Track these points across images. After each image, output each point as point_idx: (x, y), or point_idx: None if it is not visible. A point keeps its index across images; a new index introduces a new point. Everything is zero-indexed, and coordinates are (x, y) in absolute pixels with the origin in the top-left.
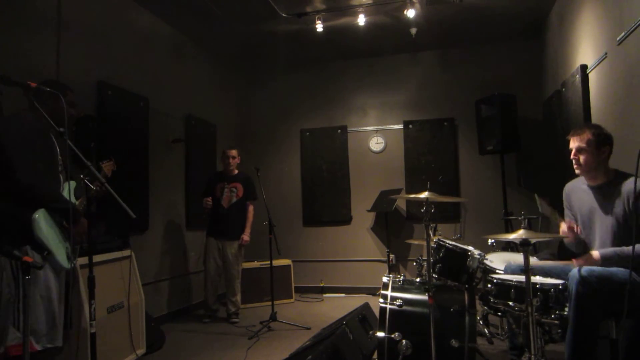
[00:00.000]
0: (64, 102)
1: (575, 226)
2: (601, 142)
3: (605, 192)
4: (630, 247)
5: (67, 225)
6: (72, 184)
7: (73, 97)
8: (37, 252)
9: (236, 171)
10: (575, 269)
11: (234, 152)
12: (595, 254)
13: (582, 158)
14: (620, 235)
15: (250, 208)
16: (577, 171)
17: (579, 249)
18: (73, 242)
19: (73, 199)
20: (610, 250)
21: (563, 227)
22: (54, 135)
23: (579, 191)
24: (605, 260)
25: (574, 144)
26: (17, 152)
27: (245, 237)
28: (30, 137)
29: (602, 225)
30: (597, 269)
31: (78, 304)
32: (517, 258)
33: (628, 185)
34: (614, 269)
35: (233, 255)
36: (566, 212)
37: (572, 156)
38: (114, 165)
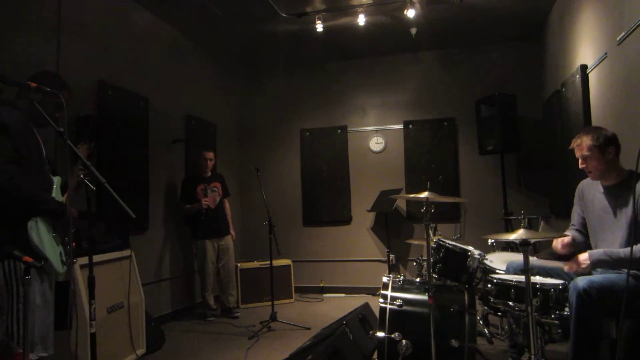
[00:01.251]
0: (63, 101)
1: (569, 243)
2: (604, 144)
3: (618, 192)
4: (623, 250)
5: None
6: (57, 179)
7: (63, 99)
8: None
9: (210, 172)
10: (575, 280)
11: (211, 155)
12: (584, 256)
13: (589, 165)
14: (631, 236)
15: (228, 204)
16: (590, 178)
17: (580, 247)
18: (63, 233)
19: (60, 196)
20: (599, 251)
21: (557, 246)
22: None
23: (593, 190)
24: (595, 263)
25: (577, 153)
26: None
27: (233, 232)
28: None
29: (614, 226)
30: (596, 279)
31: (78, 304)
32: (517, 258)
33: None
34: (613, 277)
35: (230, 249)
36: (575, 207)
37: (580, 166)
38: (89, 148)
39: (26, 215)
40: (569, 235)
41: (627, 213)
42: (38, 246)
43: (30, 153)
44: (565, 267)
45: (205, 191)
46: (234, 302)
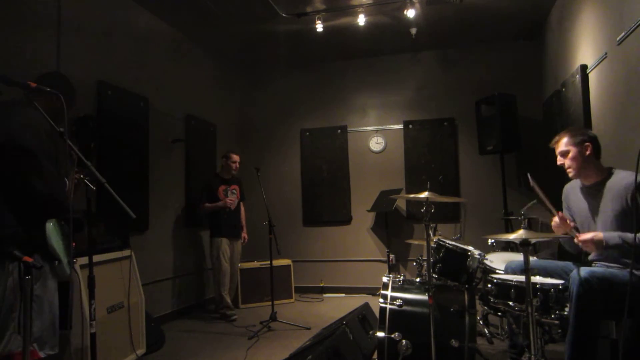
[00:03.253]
0: (64, 102)
1: (567, 218)
2: (580, 141)
3: (600, 191)
4: (637, 236)
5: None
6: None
7: (63, 99)
8: (47, 261)
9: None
10: (576, 270)
11: (238, 157)
12: (600, 236)
13: (567, 161)
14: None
15: (243, 208)
16: (570, 175)
17: (576, 248)
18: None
19: None
20: (615, 234)
21: (555, 219)
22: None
23: (576, 191)
24: (610, 246)
25: (557, 150)
26: (36, 159)
27: (246, 235)
28: (43, 140)
29: (598, 224)
30: (598, 270)
31: (78, 304)
32: (517, 258)
33: (624, 181)
34: (615, 270)
35: (239, 253)
36: (564, 211)
37: (558, 162)
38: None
39: (46, 218)
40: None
41: (612, 209)
42: (56, 248)
43: (50, 154)
44: (579, 238)
45: (226, 192)
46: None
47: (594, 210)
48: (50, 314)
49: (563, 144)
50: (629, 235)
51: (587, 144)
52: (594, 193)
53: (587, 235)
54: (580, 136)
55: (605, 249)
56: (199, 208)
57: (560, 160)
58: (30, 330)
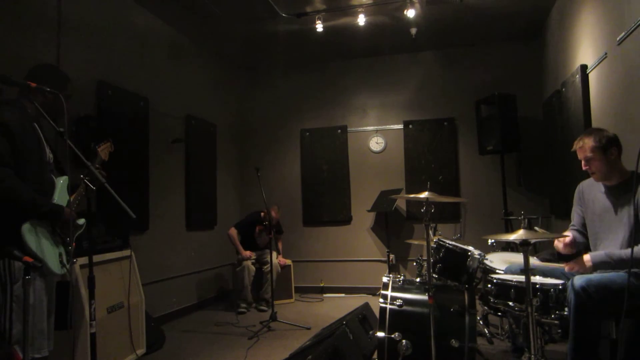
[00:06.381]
0: (64, 101)
1: (570, 242)
2: (606, 146)
3: (621, 192)
4: (624, 251)
5: (58, 229)
6: (65, 179)
7: (63, 98)
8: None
9: None
10: (573, 278)
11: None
12: (587, 257)
13: (593, 166)
14: (632, 236)
15: (281, 243)
16: (594, 179)
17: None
18: (63, 235)
19: (66, 196)
20: (601, 253)
21: (559, 245)
22: (52, 131)
23: (594, 190)
24: (597, 265)
25: (580, 155)
26: None
27: (281, 260)
28: (5, 142)
29: (616, 225)
30: (594, 277)
31: (78, 304)
32: (517, 259)
33: None
34: (612, 275)
35: (270, 257)
36: (575, 208)
37: (583, 167)
38: (111, 146)
39: (21, 217)
40: (569, 235)
41: (628, 213)
42: (33, 248)
43: (30, 154)
44: (567, 267)
45: (260, 233)
46: (268, 299)
47: (611, 211)
48: (36, 314)
49: (588, 149)
50: (616, 252)
51: (613, 148)
52: (613, 194)
53: (573, 265)
54: (605, 140)
55: (593, 269)
56: (231, 230)
57: (585, 166)
58: (10, 332)
